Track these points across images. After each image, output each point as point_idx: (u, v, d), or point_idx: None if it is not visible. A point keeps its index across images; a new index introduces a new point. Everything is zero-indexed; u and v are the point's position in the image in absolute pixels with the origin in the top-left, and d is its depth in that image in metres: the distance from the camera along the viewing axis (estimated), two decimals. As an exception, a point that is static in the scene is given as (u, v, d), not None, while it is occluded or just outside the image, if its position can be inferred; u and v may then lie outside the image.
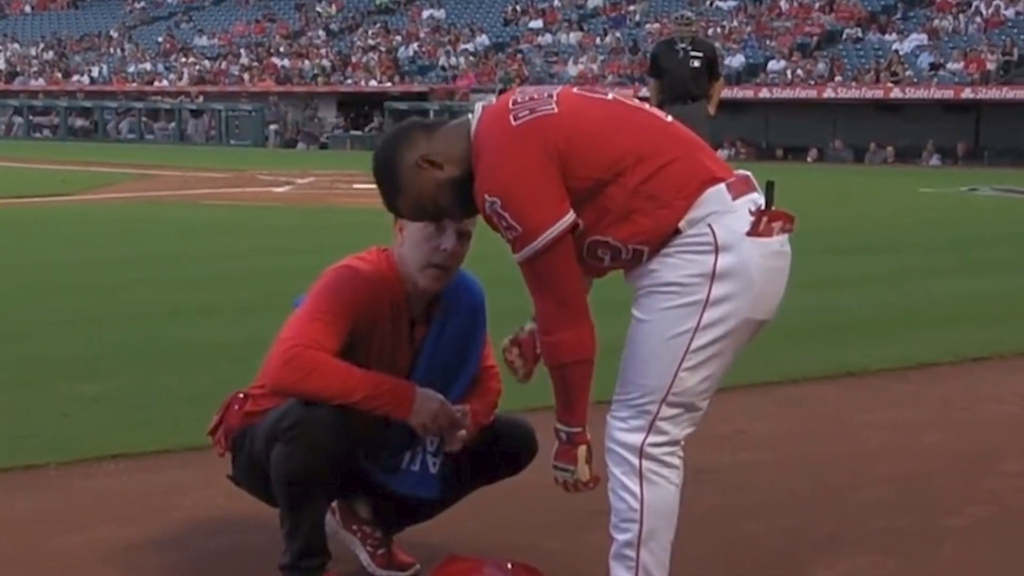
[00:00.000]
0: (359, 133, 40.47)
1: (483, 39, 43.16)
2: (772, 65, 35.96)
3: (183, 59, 47.87)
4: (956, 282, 9.91)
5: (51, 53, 51.94)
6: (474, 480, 3.64)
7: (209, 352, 6.70)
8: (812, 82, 34.52)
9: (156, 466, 4.74)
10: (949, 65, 33.48)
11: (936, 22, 36.26)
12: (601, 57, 39.30)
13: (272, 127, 40.71)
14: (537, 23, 43.30)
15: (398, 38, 45.16)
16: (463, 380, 3.54)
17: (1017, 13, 35.59)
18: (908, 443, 5.22)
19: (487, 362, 3.61)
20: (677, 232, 2.93)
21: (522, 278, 2.99)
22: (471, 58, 41.87)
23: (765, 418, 5.63)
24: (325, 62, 44.20)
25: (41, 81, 49.56)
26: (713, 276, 2.91)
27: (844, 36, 37.24)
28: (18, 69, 51.16)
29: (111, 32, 52.69)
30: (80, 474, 4.63)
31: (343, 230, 12.51)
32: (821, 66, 35.17)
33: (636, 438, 2.98)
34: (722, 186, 2.95)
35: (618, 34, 40.74)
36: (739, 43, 37.63)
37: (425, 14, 46.70)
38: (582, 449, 3.06)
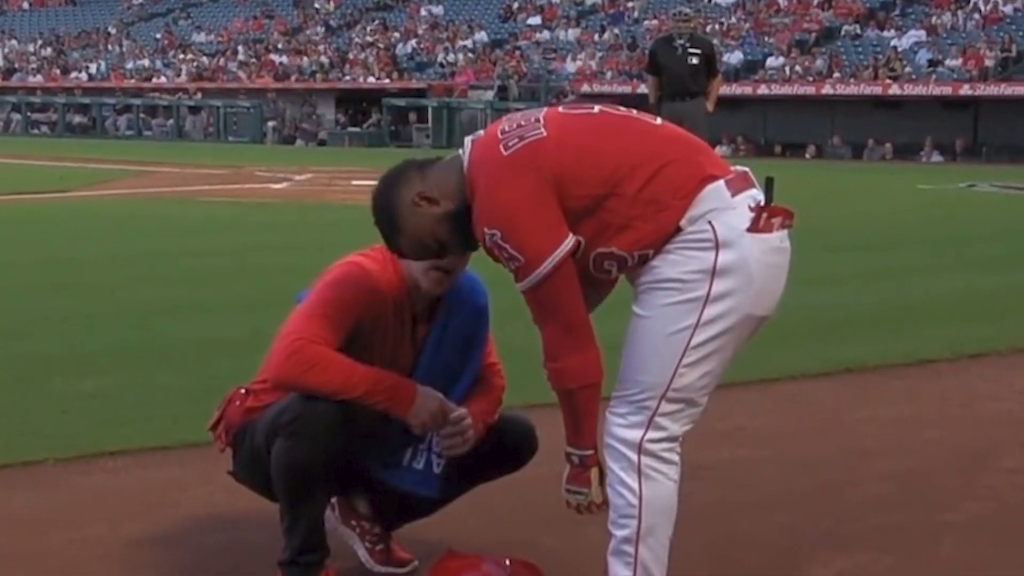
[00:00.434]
0: (357, 130, 40.45)
1: (481, 35, 43.16)
2: (770, 62, 35.96)
3: (181, 56, 47.85)
4: (954, 278, 9.91)
5: (49, 50, 51.91)
6: (475, 477, 3.64)
7: (207, 349, 6.70)
8: (810, 79, 34.53)
9: (154, 463, 4.74)
10: (947, 62, 33.50)
11: (934, 19, 36.27)
12: (600, 54, 39.28)
13: (270, 124, 40.71)
14: (536, 19, 43.28)
15: (396, 34, 45.15)
16: (466, 379, 3.54)
17: (1015, 10, 35.62)
18: (906, 440, 5.22)
19: (490, 359, 3.61)
20: (678, 230, 2.93)
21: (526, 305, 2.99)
22: (469, 55, 41.86)
23: (763, 415, 5.63)
24: (323, 58, 44.18)
25: (39, 78, 49.53)
26: (714, 272, 2.92)
27: (842, 32, 37.25)
28: (16, 65, 51.15)
29: (109, 29, 52.67)
30: (78, 471, 4.63)
31: (341, 227, 12.48)
32: (819, 63, 35.18)
33: (635, 434, 2.98)
34: (721, 183, 2.96)
35: (616, 31, 40.73)
36: (737, 40, 37.64)
37: (423, 10, 46.68)
38: (594, 471, 3.07)
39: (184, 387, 5.79)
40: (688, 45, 14.12)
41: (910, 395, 6.06)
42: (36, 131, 44.12)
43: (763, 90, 34.56)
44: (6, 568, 3.69)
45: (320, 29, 47.71)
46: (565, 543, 3.80)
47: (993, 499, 4.42)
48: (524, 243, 2.90)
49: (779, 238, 2.99)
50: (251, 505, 3.74)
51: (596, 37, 40.89)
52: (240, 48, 47.14)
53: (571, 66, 38.84)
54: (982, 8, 36.10)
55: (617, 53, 38.87)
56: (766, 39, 37.60)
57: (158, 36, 50.56)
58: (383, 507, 3.65)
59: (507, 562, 3.46)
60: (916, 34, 35.62)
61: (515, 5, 44.65)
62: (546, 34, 42.18)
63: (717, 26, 37.80)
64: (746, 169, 3.05)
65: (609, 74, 37.71)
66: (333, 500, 3.61)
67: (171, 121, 42.54)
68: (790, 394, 6.05)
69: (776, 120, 34.42)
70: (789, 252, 3.04)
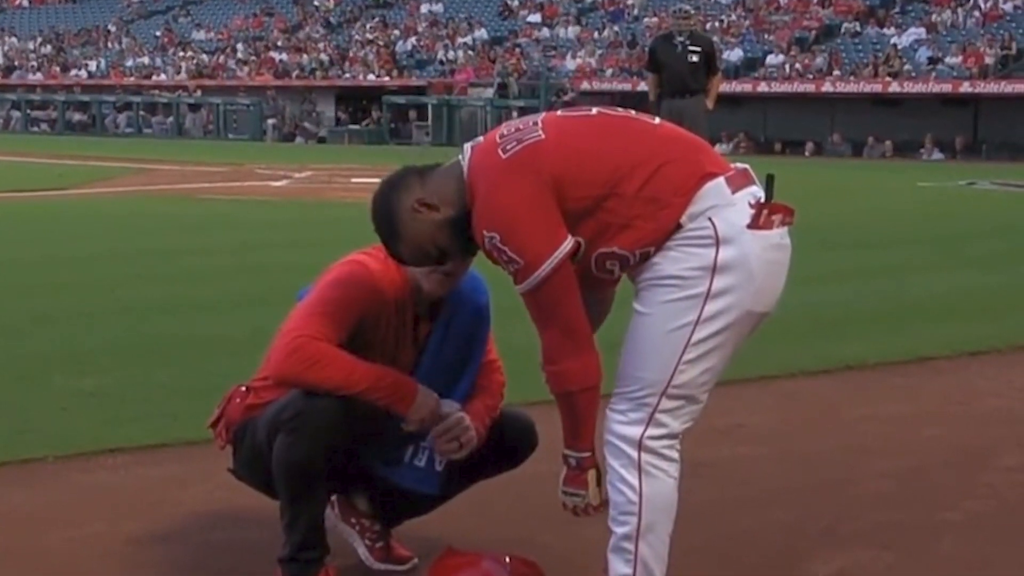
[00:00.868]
0: (357, 127, 40.43)
1: (481, 33, 43.13)
2: (770, 59, 35.94)
3: (181, 53, 47.83)
4: (954, 276, 9.91)
5: (49, 47, 51.89)
6: (475, 474, 3.64)
7: (207, 347, 6.70)
8: (810, 76, 34.50)
9: (154, 460, 4.74)
10: (947, 59, 33.48)
11: (934, 16, 36.25)
12: (599, 51, 39.27)
13: (270, 121, 40.69)
14: (535, 17, 43.26)
15: (396, 32, 45.12)
16: (468, 377, 3.55)
17: (1015, 7, 35.58)
18: (906, 437, 5.22)
19: (490, 356, 3.63)
20: (678, 227, 2.93)
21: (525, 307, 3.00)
22: (469, 52, 41.84)
23: (763, 412, 5.63)
24: (323, 56, 44.17)
25: (39, 75, 49.50)
26: (714, 269, 2.92)
27: (842, 30, 37.22)
28: (16, 63, 51.13)
29: (109, 26, 52.63)
30: (78, 468, 4.63)
31: (341, 224, 12.47)
32: (819, 60, 35.16)
33: (635, 431, 2.99)
34: (721, 180, 2.96)
35: (616, 28, 40.72)
36: (737, 37, 37.61)
37: (423, 8, 46.65)
38: (591, 473, 3.08)
39: (184, 385, 5.79)
40: (688, 43, 14.12)
41: (910, 393, 6.06)
42: (36, 129, 44.09)
43: (763, 88, 34.54)
44: (6, 566, 3.69)
45: (320, 26, 47.68)
46: (564, 540, 3.80)
47: (993, 497, 4.42)
48: (523, 245, 2.90)
49: (779, 235, 2.99)
50: (251, 503, 3.74)
51: (596, 34, 40.88)
52: (240, 45, 47.11)
53: (571, 63, 38.82)
54: (982, 6, 36.07)
55: (617, 51, 38.84)
56: (766, 37, 37.57)
57: (158, 34, 50.54)
58: (383, 504, 3.66)
59: (507, 559, 3.46)
60: (916, 32, 35.60)
61: (515, 2, 44.63)
62: (546, 31, 42.16)
63: (717, 23, 37.77)
64: (746, 166, 3.06)
65: (609, 71, 37.69)
66: (333, 498, 3.61)
67: (171, 119, 42.50)
68: (790, 391, 6.05)
69: (776, 118, 34.40)
70: (789, 249, 3.04)
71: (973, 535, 4.03)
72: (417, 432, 3.43)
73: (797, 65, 35.07)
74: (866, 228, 13.59)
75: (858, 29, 37.05)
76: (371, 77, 41.76)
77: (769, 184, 3.02)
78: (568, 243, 2.92)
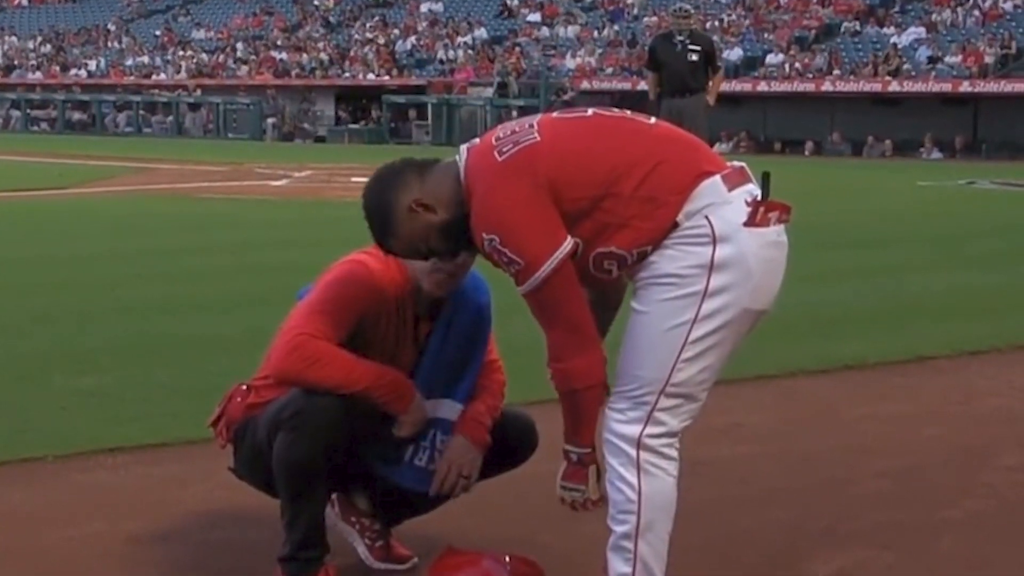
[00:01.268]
0: (357, 127, 40.41)
1: (481, 32, 43.12)
2: (770, 58, 35.93)
3: (181, 52, 47.81)
4: (954, 275, 9.91)
5: (48, 46, 51.87)
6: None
7: (206, 346, 6.70)
8: (810, 75, 34.49)
9: (153, 460, 4.74)
10: (947, 59, 33.47)
11: (934, 15, 36.24)
12: (599, 50, 39.27)
13: (270, 120, 40.67)
14: (535, 16, 43.26)
15: (396, 31, 45.11)
16: (469, 377, 3.56)
17: (1015, 6, 35.58)
18: (905, 437, 5.22)
19: (490, 356, 3.63)
20: (675, 226, 2.94)
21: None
22: (469, 51, 41.83)
23: (762, 411, 5.63)
24: (323, 55, 44.16)
25: (39, 74, 49.48)
26: (711, 267, 2.93)
27: (842, 29, 37.22)
28: (15, 62, 51.11)
29: (108, 25, 52.62)
30: (77, 468, 4.63)
31: (341, 224, 12.46)
32: (819, 59, 35.15)
33: (634, 429, 2.99)
34: (717, 178, 2.97)
35: (616, 27, 40.71)
36: (737, 36, 37.61)
37: (423, 7, 46.64)
38: (592, 469, 3.10)
39: (183, 384, 5.79)
40: (688, 42, 14.13)
41: (909, 392, 6.06)
42: (35, 128, 44.07)
43: (763, 87, 34.53)
44: (5, 565, 3.69)
45: (319, 26, 47.67)
46: (564, 539, 3.80)
47: (992, 496, 4.42)
48: (523, 246, 2.91)
49: (776, 232, 3.00)
50: (251, 502, 3.74)
51: (596, 34, 40.87)
52: (240, 45, 47.11)
53: (571, 63, 38.81)
54: (982, 5, 36.07)
55: (617, 50, 38.84)
56: (766, 36, 37.56)
57: (158, 33, 50.52)
58: (383, 503, 3.66)
59: (506, 559, 3.46)
60: (916, 31, 35.59)
61: (515, 2, 44.62)
62: (545, 31, 42.15)
63: (717, 22, 37.77)
64: (742, 164, 3.07)
65: (609, 70, 37.69)
66: (333, 497, 3.62)
67: (171, 118, 42.48)
68: (789, 391, 6.05)
69: (776, 117, 34.39)
70: (786, 246, 3.04)
71: (973, 534, 4.03)
72: (408, 434, 3.44)
73: (797, 64, 35.06)
74: (866, 227, 13.59)
75: (858, 28, 37.05)
76: (371, 76, 41.75)
77: (765, 182, 3.03)
78: (568, 243, 2.93)
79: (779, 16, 38.62)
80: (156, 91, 45.01)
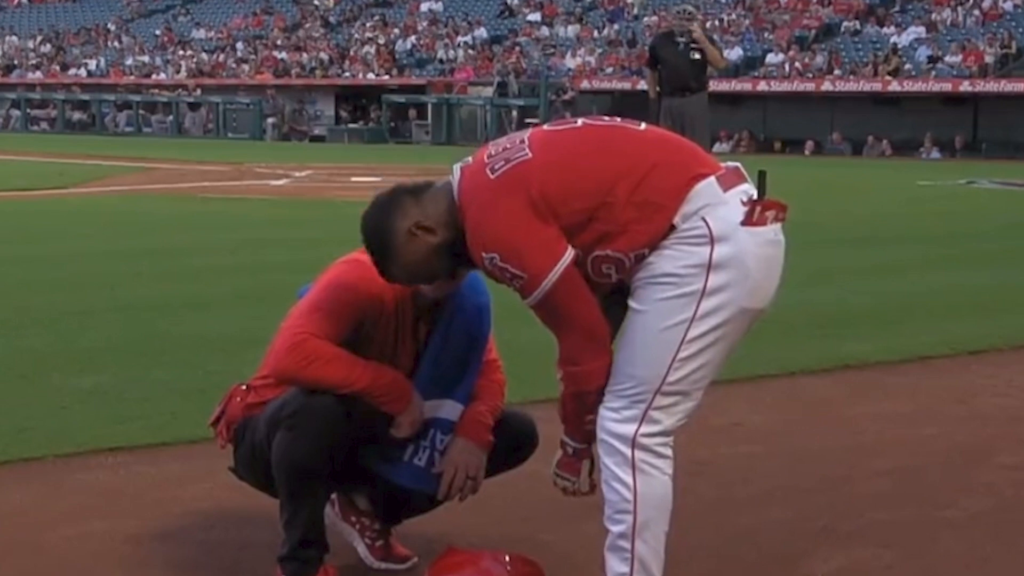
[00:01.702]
0: (356, 126, 40.40)
1: (481, 32, 43.12)
2: (770, 58, 35.93)
3: (181, 52, 47.82)
4: (953, 275, 9.91)
5: (48, 46, 51.87)
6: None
7: (206, 345, 6.70)
8: (810, 75, 34.49)
9: (153, 459, 4.74)
10: (947, 58, 33.47)
11: (934, 15, 36.24)
12: (599, 50, 39.27)
13: (270, 120, 40.66)
14: (535, 16, 43.26)
15: (396, 31, 45.11)
16: (470, 377, 3.56)
17: (1015, 6, 35.58)
18: (905, 436, 5.22)
19: (490, 355, 3.64)
20: (672, 228, 2.95)
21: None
22: (469, 51, 41.83)
23: (762, 411, 5.63)
24: (323, 55, 44.16)
25: (39, 74, 49.48)
26: (709, 266, 2.94)
27: (842, 29, 37.22)
28: (15, 62, 51.10)
29: (108, 25, 52.62)
30: (77, 467, 4.63)
31: (341, 223, 12.47)
32: (819, 59, 35.15)
33: (629, 428, 3.00)
34: (712, 179, 2.99)
35: (616, 27, 40.71)
36: (737, 36, 37.60)
37: (423, 7, 46.64)
38: (586, 463, 3.16)
39: (183, 383, 5.79)
40: (688, 41, 14.12)
41: (909, 391, 6.06)
42: (35, 127, 44.06)
43: (763, 86, 34.53)
44: (5, 564, 3.69)
45: (319, 25, 47.67)
46: (564, 538, 3.81)
47: (992, 495, 4.42)
48: (524, 260, 2.93)
49: (773, 231, 3.01)
50: (250, 502, 3.74)
51: (596, 33, 40.87)
52: (240, 44, 47.11)
53: (571, 62, 38.82)
54: (982, 4, 36.08)
55: (617, 49, 38.84)
56: (766, 35, 37.56)
57: (158, 32, 50.52)
58: (383, 503, 3.66)
59: (507, 558, 3.46)
60: (916, 31, 35.59)
61: (515, 1, 44.62)
62: (545, 30, 42.15)
63: (717, 22, 37.76)
64: (737, 164, 3.08)
65: (609, 70, 37.69)
66: (333, 496, 3.62)
67: (170, 117, 42.47)
68: (788, 390, 6.05)
69: (776, 116, 34.39)
70: (783, 245, 3.06)
71: (972, 533, 4.03)
72: (405, 435, 3.45)
73: (797, 64, 35.06)
74: (866, 227, 13.59)
75: (858, 28, 37.05)
76: (371, 76, 41.75)
77: (761, 181, 3.04)
78: (569, 254, 2.95)
79: (779, 16, 38.62)
80: (156, 91, 45.00)
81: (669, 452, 3.05)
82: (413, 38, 44.07)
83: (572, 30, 41.46)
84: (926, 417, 5.54)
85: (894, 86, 32.70)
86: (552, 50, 40.23)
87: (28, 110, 45.49)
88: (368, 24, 46.21)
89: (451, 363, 3.52)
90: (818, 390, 6.06)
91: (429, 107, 38.15)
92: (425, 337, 3.52)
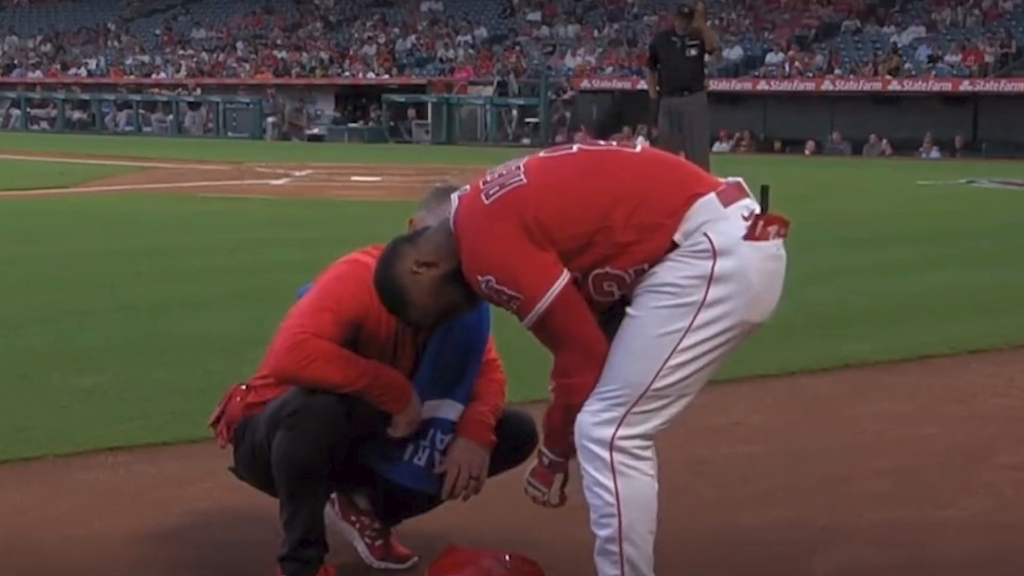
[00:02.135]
0: (356, 126, 40.40)
1: (481, 31, 43.14)
2: (770, 58, 35.95)
3: (181, 51, 47.82)
4: (953, 274, 9.90)
5: (49, 45, 51.89)
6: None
7: (206, 345, 6.70)
8: (810, 75, 34.51)
9: (153, 459, 4.74)
10: (947, 58, 33.49)
11: (934, 15, 36.27)
12: (599, 49, 39.27)
13: (270, 120, 40.67)
14: (535, 15, 43.26)
15: (396, 30, 45.12)
16: (470, 377, 3.57)
17: (1015, 6, 35.61)
18: (905, 436, 5.22)
19: (490, 355, 3.64)
20: (674, 246, 2.97)
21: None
22: (469, 50, 41.84)
23: (761, 410, 5.63)
24: (323, 54, 44.16)
25: (39, 73, 49.50)
26: (711, 279, 2.95)
27: (842, 28, 37.24)
28: (15, 61, 51.11)
29: (109, 24, 52.63)
30: (77, 467, 4.64)
31: (341, 223, 12.52)
32: (819, 59, 35.16)
33: (606, 432, 3.01)
34: (711, 196, 3.00)
35: (616, 26, 40.71)
36: (737, 35, 37.62)
37: (423, 6, 46.65)
38: (559, 476, 3.19)
39: (182, 383, 5.79)
40: (687, 38, 14.11)
41: (909, 391, 6.06)
42: (35, 127, 44.09)
43: (763, 86, 34.55)
44: (6, 563, 3.69)
45: (319, 25, 47.67)
46: (563, 538, 3.80)
47: (992, 495, 4.42)
48: (519, 282, 2.95)
49: (775, 246, 3.02)
50: (250, 502, 3.74)
51: (596, 33, 40.87)
52: (240, 44, 47.11)
53: (571, 62, 38.82)
54: (982, 4, 36.08)
55: (617, 49, 38.85)
56: (766, 35, 37.58)
57: (158, 32, 50.54)
58: (383, 502, 3.66)
59: (507, 557, 3.47)
60: (916, 30, 35.62)
61: (515, 1, 44.62)
62: (545, 30, 42.16)
63: (717, 21, 37.76)
64: (739, 180, 3.08)
65: (609, 69, 37.70)
66: (333, 495, 3.62)
67: (170, 117, 42.48)
68: (788, 390, 6.05)
69: (776, 116, 34.40)
70: (784, 260, 3.06)
71: (972, 533, 4.03)
72: (403, 435, 3.45)
73: (797, 63, 35.07)
74: (866, 226, 13.58)
75: (858, 27, 37.07)
76: (371, 75, 41.75)
77: (764, 196, 3.05)
78: (564, 277, 2.96)
79: (779, 15, 38.64)
80: (156, 90, 45.01)
81: (649, 454, 3.05)
82: (413, 37, 44.08)
83: (572, 29, 41.47)
84: (926, 417, 5.54)
85: (894, 86, 32.72)
86: (552, 50, 40.24)
87: (28, 109, 45.51)
88: (368, 24, 46.23)
89: (451, 363, 3.52)
90: (818, 390, 6.06)
91: (429, 107, 38.15)
92: (425, 338, 3.52)
